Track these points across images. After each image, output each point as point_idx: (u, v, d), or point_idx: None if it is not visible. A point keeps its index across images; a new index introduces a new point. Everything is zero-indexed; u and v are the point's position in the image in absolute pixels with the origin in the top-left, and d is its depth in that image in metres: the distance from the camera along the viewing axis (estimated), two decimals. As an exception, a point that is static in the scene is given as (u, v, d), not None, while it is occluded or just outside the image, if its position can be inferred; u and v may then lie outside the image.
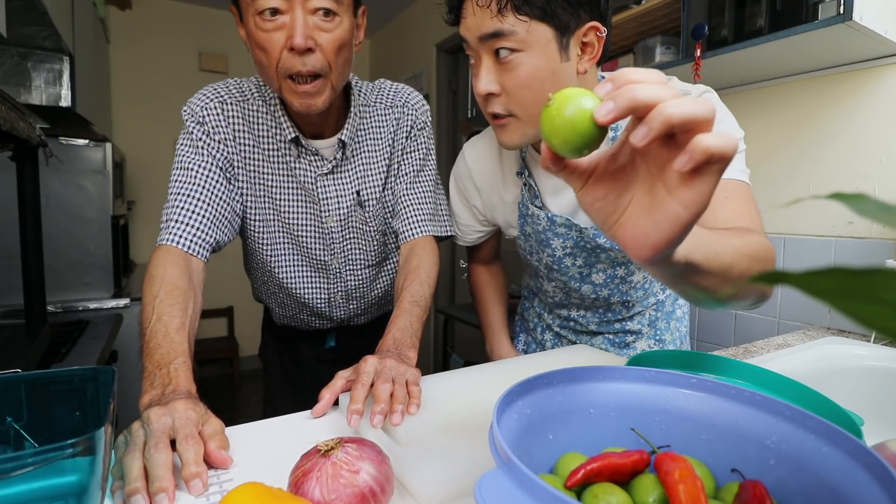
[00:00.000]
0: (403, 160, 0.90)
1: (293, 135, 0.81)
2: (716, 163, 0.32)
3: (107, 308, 1.75)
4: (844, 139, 1.19)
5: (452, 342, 2.85)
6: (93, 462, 0.34)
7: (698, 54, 1.15)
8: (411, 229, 0.88)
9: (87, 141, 1.77)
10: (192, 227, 0.74)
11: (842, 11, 0.92)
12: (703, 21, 1.18)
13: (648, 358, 0.59)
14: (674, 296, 0.93)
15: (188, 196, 0.75)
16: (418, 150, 0.91)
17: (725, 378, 0.56)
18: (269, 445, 0.53)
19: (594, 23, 0.66)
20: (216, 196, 0.77)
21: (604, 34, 0.67)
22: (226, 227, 0.79)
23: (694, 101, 0.32)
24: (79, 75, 1.80)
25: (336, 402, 0.62)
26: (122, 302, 1.78)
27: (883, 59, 1.11)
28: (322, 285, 0.93)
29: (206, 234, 0.75)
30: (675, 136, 0.33)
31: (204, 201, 0.76)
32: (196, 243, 0.73)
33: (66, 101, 1.73)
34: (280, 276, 0.90)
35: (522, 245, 0.90)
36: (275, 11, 0.68)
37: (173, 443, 0.46)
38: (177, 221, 0.73)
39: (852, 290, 0.15)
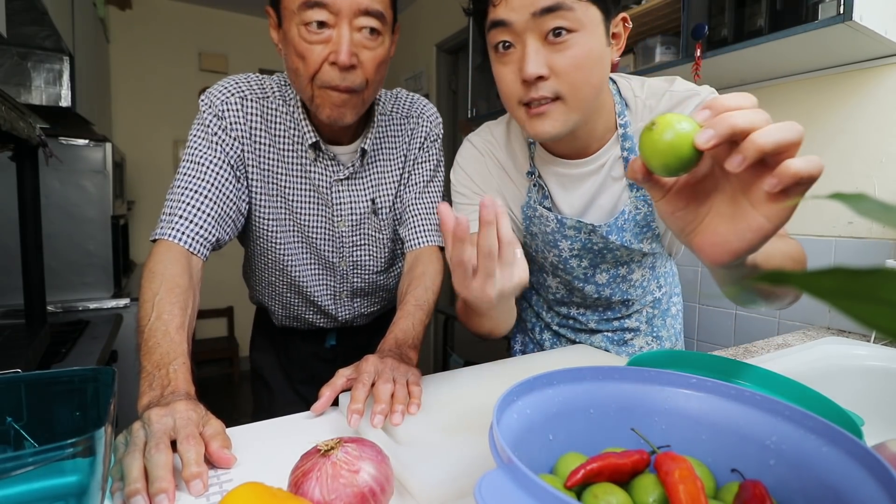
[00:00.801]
0: (414, 170, 0.91)
1: (314, 139, 0.80)
2: (803, 184, 0.35)
3: (107, 308, 1.75)
4: (844, 139, 1.19)
5: (452, 342, 2.85)
6: (93, 462, 0.34)
7: (698, 54, 1.15)
8: (417, 238, 0.88)
9: (87, 141, 1.77)
10: (196, 224, 0.73)
11: (842, 11, 0.92)
12: (703, 21, 1.18)
13: (649, 358, 0.59)
14: (669, 293, 0.93)
15: (194, 191, 0.74)
16: (430, 160, 0.91)
17: (725, 378, 0.56)
18: (269, 445, 0.53)
19: (624, 14, 0.69)
20: (223, 194, 0.76)
21: (630, 26, 0.69)
22: (229, 226, 0.78)
23: (784, 127, 0.35)
24: (79, 75, 1.80)
25: (336, 402, 0.62)
26: (122, 302, 1.78)
27: (883, 59, 1.11)
28: (330, 283, 0.93)
29: (210, 232, 0.74)
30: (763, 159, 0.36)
31: (210, 199, 0.75)
32: (198, 241, 0.73)
33: (66, 101, 1.73)
34: (293, 274, 0.90)
35: (528, 243, 0.89)
36: (321, 24, 0.68)
37: (174, 444, 0.46)
38: (181, 217, 0.72)
39: (852, 290, 0.15)
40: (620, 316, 0.90)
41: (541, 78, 0.65)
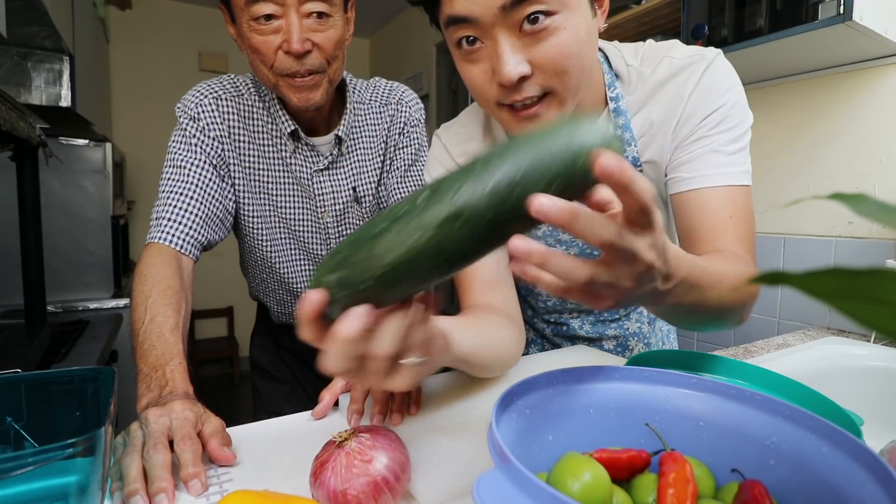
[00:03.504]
0: (396, 156, 0.91)
1: (292, 128, 0.81)
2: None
3: (107, 308, 1.75)
4: (845, 139, 1.19)
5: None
6: (93, 462, 0.34)
7: (698, 54, 1.15)
8: None
9: (87, 141, 1.77)
10: (185, 225, 0.73)
11: (842, 11, 0.92)
12: (703, 21, 1.18)
13: (648, 358, 0.59)
14: None
15: (180, 194, 0.75)
16: (411, 146, 0.92)
17: (725, 378, 0.56)
18: (269, 446, 0.53)
19: None
20: (208, 194, 0.77)
21: None
22: (217, 225, 0.79)
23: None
24: (79, 75, 1.80)
25: (336, 403, 0.62)
26: (122, 302, 1.78)
27: (883, 59, 1.11)
28: None
29: (199, 232, 0.75)
30: None
31: (196, 199, 0.75)
32: (188, 242, 0.73)
33: (66, 101, 1.73)
34: (281, 271, 0.90)
35: None
36: (269, 17, 0.69)
37: (172, 443, 0.46)
38: (169, 219, 0.73)
39: (852, 291, 0.15)
40: (619, 317, 0.87)
41: (522, 78, 0.53)
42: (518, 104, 0.56)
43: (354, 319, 0.33)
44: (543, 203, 0.29)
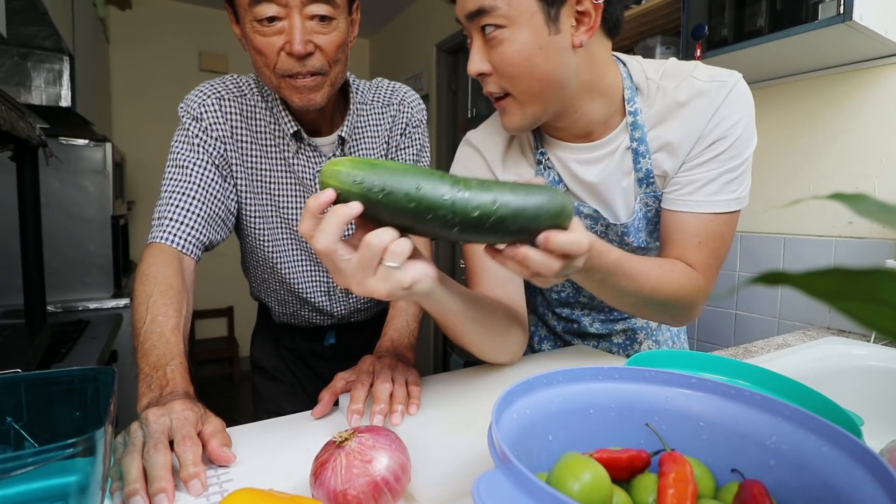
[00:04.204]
0: (398, 156, 0.91)
1: (295, 128, 0.81)
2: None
3: (107, 308, 1.75)
4: (844, 139, 1.19)
5: (452, 342, 2.85)
6: (93, 462, 0.34)
7: (698, 54, 1.15)
8: None
9: (87, 141, 1.77)
10: (187, 225, 0.73)
11: (842, 11, 0.92)
12: (703, 21, 1.18)
13: (648, 358, 0.59)
14: None
15: (182, 194, 0.75)
16: (412, 146, 0.92)
17: (725, 378, 0.56)
18: (269, 446, 0.53)
19: None
20: (210, 194, 0.77)
21: (600, 1, 0.61)
22: (219, 225, 0.79)
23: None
24: (79, 75, 1.80)
25: (336, 403, 0.62)
26: (122, 302, 1.78)
27: (883, 59, 1.11)
28: (322, 279, 0.93)
29: (200, 232, 0.75)
30: None
31: (198, 199, 0.75)
32: (190, 242, 0.73)
33: (66, 101, 1.73)
34: (282, 272, 0.90)
35: None
36: (272, 19, 0.69)
37: (172, 443, 0.46)
38: (170, 219, 0.73)
39: (852, 291, 0.15)
40: (627, 316, 0.88)
41: (485, 74, 0.65)
42: (490, 97, 0.68)
43: (355, 205, 0.44)
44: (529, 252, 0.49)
